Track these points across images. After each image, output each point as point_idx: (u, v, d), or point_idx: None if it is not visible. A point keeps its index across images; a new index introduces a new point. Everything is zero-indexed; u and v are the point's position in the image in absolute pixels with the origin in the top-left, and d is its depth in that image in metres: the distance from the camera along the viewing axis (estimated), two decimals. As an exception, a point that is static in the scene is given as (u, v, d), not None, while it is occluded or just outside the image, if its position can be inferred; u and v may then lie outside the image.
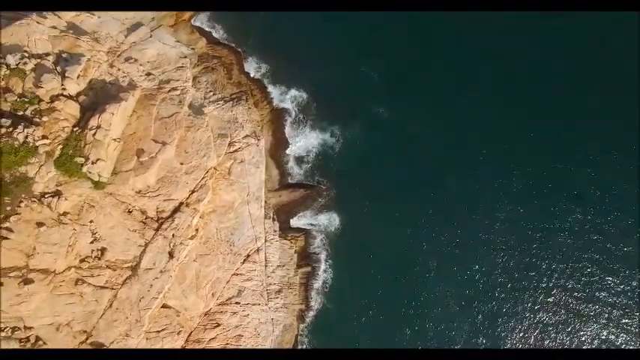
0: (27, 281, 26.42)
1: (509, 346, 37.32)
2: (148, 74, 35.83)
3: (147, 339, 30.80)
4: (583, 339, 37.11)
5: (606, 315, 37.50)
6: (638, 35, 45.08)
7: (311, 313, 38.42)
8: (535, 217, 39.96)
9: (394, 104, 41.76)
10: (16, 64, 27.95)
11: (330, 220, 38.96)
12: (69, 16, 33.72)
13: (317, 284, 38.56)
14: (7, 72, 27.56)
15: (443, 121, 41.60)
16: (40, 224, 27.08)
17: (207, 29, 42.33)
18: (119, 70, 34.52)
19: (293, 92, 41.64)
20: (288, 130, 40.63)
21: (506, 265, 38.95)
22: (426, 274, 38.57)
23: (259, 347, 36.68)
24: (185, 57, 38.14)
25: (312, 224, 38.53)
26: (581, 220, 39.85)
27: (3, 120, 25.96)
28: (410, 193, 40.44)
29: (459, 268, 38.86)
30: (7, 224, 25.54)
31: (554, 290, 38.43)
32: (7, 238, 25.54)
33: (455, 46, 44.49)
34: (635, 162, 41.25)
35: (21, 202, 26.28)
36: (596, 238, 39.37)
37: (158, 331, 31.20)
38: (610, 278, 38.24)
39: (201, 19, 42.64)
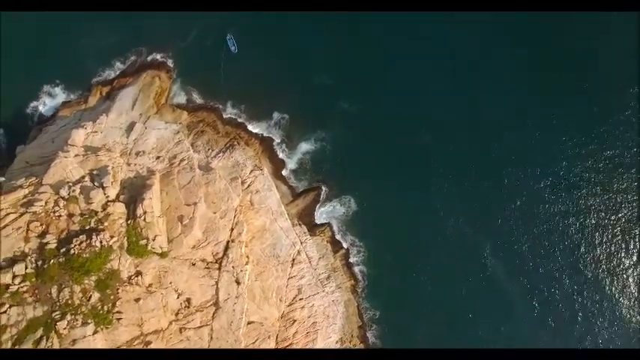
0: (147, 344, 34.06)
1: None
2: (157, 157, 43.28)
3: (248, 351, 38.57)
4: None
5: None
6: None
7: (361, 284, 46.17)
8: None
9: (355, 99, 48.84)
10: (68, 194, 35.61)
11: (343, 206, 46.54)
12: (81, 142, 41.42)
13: (355, 259, 46.32)
14: (65, 202, 35.29)
15: (395, 103, 49.11)
16: (137, 299, 34.58)
17: (183, 102, 49.22)
18: (135, 164, 41.99)
19: (271, 120, 48.68)
20: (279, 152, 48.01)
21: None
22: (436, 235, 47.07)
23: (333, 327, 44.28)
24: (178, 132, 45.48)
25: (330, 215, 46.30)
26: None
27: (80, 237, 33.65)
28: (399, 164, 47.99)
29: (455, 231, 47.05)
30: (116, 309, 33.26)
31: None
32: (121, 319, 33.28)
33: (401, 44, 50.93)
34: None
35: (118, 289, 33.92)
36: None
37: (254, 342, 38.90)
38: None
39: (176, 96, 49.66)
